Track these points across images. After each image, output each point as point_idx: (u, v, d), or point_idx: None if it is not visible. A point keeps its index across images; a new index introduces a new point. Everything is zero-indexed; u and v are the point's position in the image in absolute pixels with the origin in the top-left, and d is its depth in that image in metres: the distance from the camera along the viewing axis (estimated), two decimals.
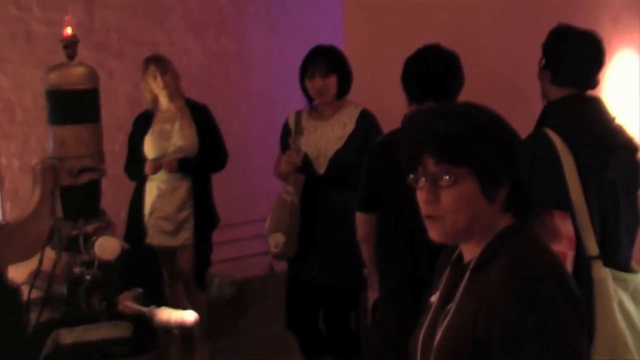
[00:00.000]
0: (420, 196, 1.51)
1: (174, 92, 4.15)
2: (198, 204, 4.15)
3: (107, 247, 2.03)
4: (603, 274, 2.46)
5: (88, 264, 2.05)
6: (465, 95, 2.77)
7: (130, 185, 4.26)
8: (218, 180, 4.38)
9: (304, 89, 3.70)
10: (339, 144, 3.62)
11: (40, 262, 2.03)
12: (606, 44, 2.65)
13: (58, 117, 2.07)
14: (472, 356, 1.43)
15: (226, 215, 4.53)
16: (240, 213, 5.35)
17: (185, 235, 4.15)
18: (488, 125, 1.49)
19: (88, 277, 2.02)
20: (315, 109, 3.76)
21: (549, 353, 1.35)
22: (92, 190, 2.12)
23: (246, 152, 5.36)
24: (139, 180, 4.19)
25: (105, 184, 2.17)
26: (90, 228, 2.06)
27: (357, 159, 3.30)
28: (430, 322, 1.58)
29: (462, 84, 2.87)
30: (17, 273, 2.09)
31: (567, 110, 2.59)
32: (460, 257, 1.59)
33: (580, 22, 2.66)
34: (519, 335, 1.36)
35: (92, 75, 2.10)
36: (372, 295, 3.10)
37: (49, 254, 2.05)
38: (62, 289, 2.04)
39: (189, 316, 2.07)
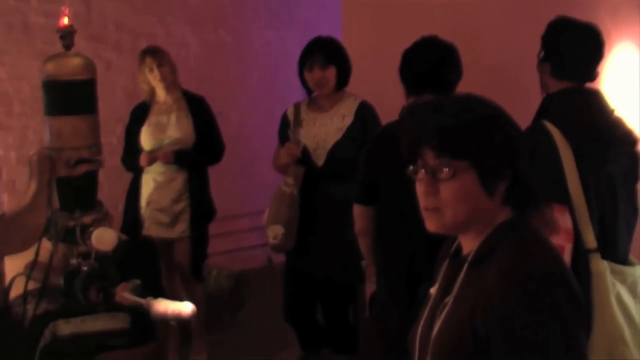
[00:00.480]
0: (419, 188, 1.50)
1: (171, 84, 4.14)
2: (194, 196, 4.14)
3: (104, 238, 2.03)
4: (601, 267, 2.46)
5: (85, 255, 2.04)
6: (464, 88, 2.76)
7: (129, 177, 4.25)
8: (217, 173, 4.38)
9: (303, 81, 3.70)
10: (337, 136, 3.62)
11: (37, 253, 2.03)
12: (605, 37, 2.63)
13: (55, 108, 2.06)
14: (471, 352, 1.42)
15: (225, 207, 4.52)
16: (238, 205, 5.35)
17: (182, 227, 4.15)
18: (488, 119, 1.48)
19: (85, 269, 2.01)
20: (314, 100, 3.75)
21: (550, 352, 1.34)
22: (89, 181, 2.11)
23: (244, 145, 5.36)
24: (136, 171, 4.18)
25: (103, 176, 2.17)
26: (87, 219, 2.06)
27: (355, 151, 3.30)
28: (428, 315, 1.58)
29: (460, 76, 2.85)
30: (14, 264, 2.09)
31: (566, 103, 2.58)
32: (459, 250, 1.58)
33: (579, 14, 2.65)
34: (520, 335, 1.35)
35: (89, 65, 2.09)
36: (370, 288, 3.09)
37: (46, 245, 2.05)
38: (59, 281, 2.03)
39: (186, 308, 2.07)
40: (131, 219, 4.15)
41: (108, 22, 5.02)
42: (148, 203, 4.13)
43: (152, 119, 4.14)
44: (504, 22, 3.57)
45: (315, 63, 3.61)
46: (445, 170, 1.44)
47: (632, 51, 3.26)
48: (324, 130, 3.65)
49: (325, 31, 3.84)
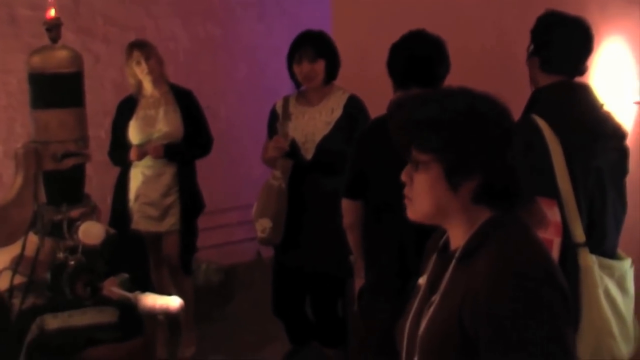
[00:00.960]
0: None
1: (158, 78, 4.12)
2: (183, 189, 4.13)
3: (91, 232, 2.02)
4: (589, 261, 2.46)
5: (72, 250, 2.03)
6: (453, 82, 2.75)
7: (117, 171, 4.24)
8: (205, 166, 4.36)
9: (292, 74, 3.68)
10: (326, 130, 3.61)
11: (23, 247, 2.02)
12: (594, 31, 2.64)
13: (41, 101, 2.05)
14: (459, 348, 1.42)
15: (213, 201, 4.51)
16: (227, 199, 5.34)
17: (171, 221, 4.14)
18: (462, 114, 1.47)
19: (72, 263, 2.01)
20: (303, 94, 3.74)
21: (537, 349, 1.34)
22: (76, 175, 2.10)
23: (233, 139, 5.34)
24: (124, 165, 4.17)
25: (91, 170, 2.16)
26: (74, 213, 2.05)
27: (344, 145, 3.29)
28: (416, 310, 1.58)
29: (448, 70, 2.85)
30: (0, 258, 2.08)
31: (555, 97, 2.58)
32: (446, 244, 1.58)
33: (569, 8, 2.65)
34: (507, 332, 1.35)
35: (76, 58, 2.08)
36: (359, 282, 3.09)
37: (33, 239, 2.04)
38: (46, 275, 2.02)
39: (174, 302, 2.07)
40: (119, 213, 4.14)
41: (96, 14, 4.99)
42: (136, 197, 4.12)
43: (140, 112, 4.12)
44: (492, 16, 3.57)
45: (304, 56, 3.59)
46: (416, 161, 1.50)
47: (621, 45, 3.27)
48: (313, 124, 3.64)
49: (314, 25, 3.82)
